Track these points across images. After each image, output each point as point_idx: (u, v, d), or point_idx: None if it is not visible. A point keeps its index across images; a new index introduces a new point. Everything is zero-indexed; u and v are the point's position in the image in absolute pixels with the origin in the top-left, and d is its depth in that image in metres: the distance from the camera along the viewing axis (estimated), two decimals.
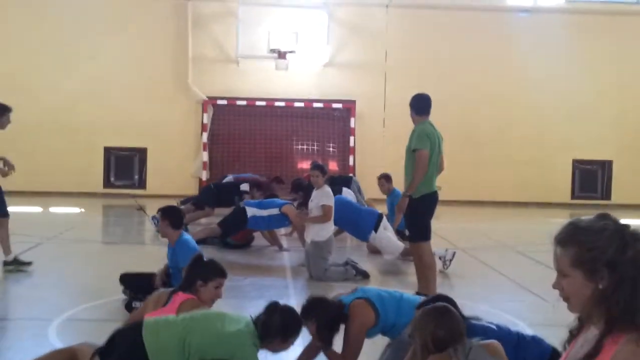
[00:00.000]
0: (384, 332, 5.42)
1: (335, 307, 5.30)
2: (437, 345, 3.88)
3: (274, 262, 10.93)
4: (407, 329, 4.84)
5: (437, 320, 3.99)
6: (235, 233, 11.59)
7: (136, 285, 7.57)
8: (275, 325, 4.47)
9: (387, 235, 10.60)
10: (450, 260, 10.13)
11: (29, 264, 9.33)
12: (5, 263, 9.31)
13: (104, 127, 19.29)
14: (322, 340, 5.18)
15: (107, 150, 19.71)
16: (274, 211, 11.07)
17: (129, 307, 7.33)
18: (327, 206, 9.12)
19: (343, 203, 10.80)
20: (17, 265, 9.26)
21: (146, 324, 4.49)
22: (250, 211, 11.19)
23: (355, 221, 10.86)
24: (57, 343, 5.99)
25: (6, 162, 9.40)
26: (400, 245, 10.49)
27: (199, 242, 8.98)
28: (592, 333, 2.26)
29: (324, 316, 5.15)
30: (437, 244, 10.97)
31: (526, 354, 4.55)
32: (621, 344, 2.15)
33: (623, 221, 2.29)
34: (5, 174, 9.35)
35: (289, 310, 4.66)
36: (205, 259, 5.58)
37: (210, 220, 12.97)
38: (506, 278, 9.88)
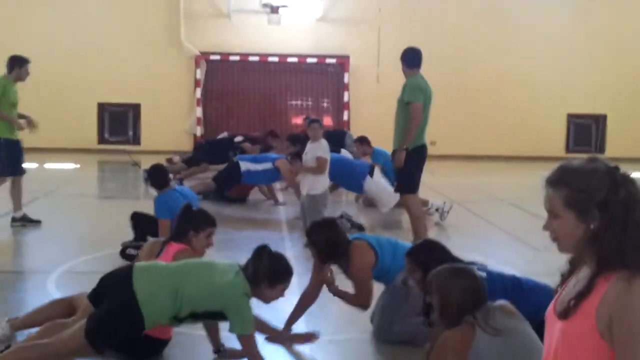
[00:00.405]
0: (378, 278, 5.48)
1: (340, 235, 5.40)
2: (460, 311, 3.78)
3: (270, 215, 11.00)
4: (400, 276, 4.93)
5: (461, 284, 3.85)
6: (230, 188, 11.63)
7: (145, 225, 7.64)
8: (263, 268, 4.41)
9: (381, 184, 10.63)
10: (447, 212, 10.24)
11: (37, 222, 9.35)
12: (14, 219, 9.35)
13: (97, 84, 19.19)
14: (321, 261, 5.36)
15: (101, 107, 19.64)
16: (268, 165, 11.11)
17: (123, 253, 7.47)
18: (322, 158, 9.14)
19: (335, 159, 10.84)
20: (24, 223, 9.29)
21: (136, 271, 4.44)
22: (244, 165, 11.22)
23: (349, 174, 10.89)
24: (55, 294, 6.05)
25: (29, 121, 9.48)
26: (395, 195, 10.52)
27: None
28: (583, 273, 2.31)
29: (327, 238, 5.28)
30: (432, 198, 11.07)
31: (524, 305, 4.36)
32: (612, 282, 2.19)
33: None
34: (21, 128, 9.39)
35: (277, 255, 4.60)
36: (194, 209, 5.58)
37: (207, 175, 13.01)
38: (500, 230, 9.98)
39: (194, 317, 4.44)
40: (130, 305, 4.30)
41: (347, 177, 10.99)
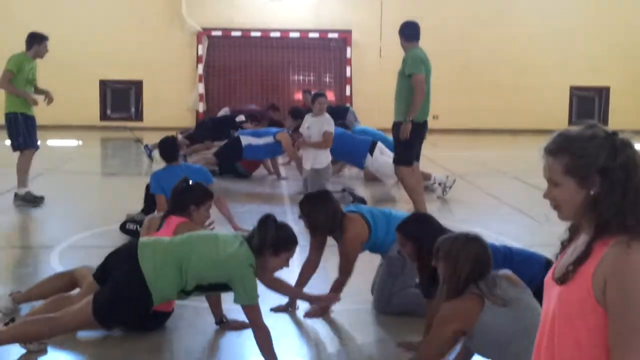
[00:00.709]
0: (372, 249, 5.51)
1: (334, 207, 5.40)
2: (467, 280, 3.78)
3: (272, 190, 11.03)
4: (395, 246, 4.92)
5: (471, 251, 3.84)
6: (232, 163, 11.62)
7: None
8: (268, 236, 4.40)
9: (383, 158, 10.64)
10: (450, 187, 10.24)
11: (41, 198, 9.33)
12: (17, 196, 9.33)
13: (99, 60, 19.13)
14: (314, 233, 5.42)
15: (103, 83, 19.61)
16: (269, 139, 11.10)
17: (123, 228, 7.48)
18: (328, 132, 9.15)
19: (337, 134, 10.84)
20: (26, 202, 9.25)
21: (141, 247, 4.45)
22: (245, 140, 11.22)
23: (350, 149, 10.89)
24: (59, 269, 6.08)
25: (47, 95, 9.59)
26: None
27: None
28: (582, 240, 2.31)
29: (321, 210, 5.30)
30: (435, 171, 11.08)
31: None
32: (611, 246, 2.20)
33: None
34: (35, 103, 9.45)
35: (282, 224, 4.58)
36: (192, 183, 5.61)
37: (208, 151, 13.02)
38: (502, 202, 9.99)
39: (200, 289, 4.47)
40: (137, 282, 4.33)
41: (348, 153, 10.99)
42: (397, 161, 8.53)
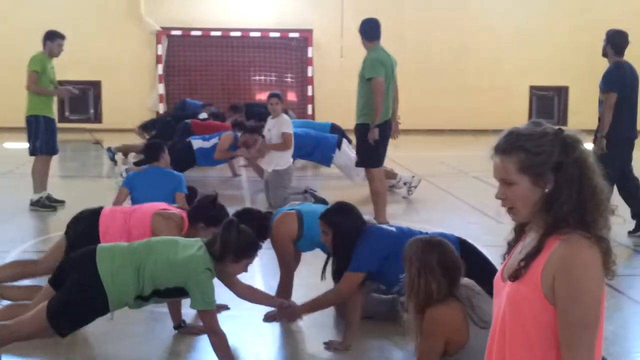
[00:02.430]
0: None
1: (259, 216, 5.44)
2: (439, 290, 3.60)
3: (232, 191, 10.93)
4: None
5: (442, 257, 3.68)
6: (185, 169, 11.42)
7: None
8: (230, 242, 4.33)
9: (349, 155, 10.54)
10: (415, 187, 10.25)
11: (62, 202, 9.20)
12: (32, 202, 9.17)
13: (56, 61, 18.77)
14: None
15: (60, 84, 19.25)
16: (216, 141, 10.95)
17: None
18: (287, 134, 9.10)
19: (302, 134, 10.78)
20: (42, 207, 9.10)
21: (100, 251, 4.38)
22: (196, 144, 11.07)
23: (316, 148, 10.83)
24: None
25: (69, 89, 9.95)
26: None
27: None
28: (530, 238, 2.30)
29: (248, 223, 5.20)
30: (400, 172, 11.08)
31: None
32: (559, 243, 2.18)
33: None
34: (70, 93, 10.01)
35: (245, 229, 4.53)
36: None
37: None
38: (464, 202, 10.03)
39: (157, 294, 4.38)
40: (94, 286, 4.24)
41: (315, 152, 10.92)
42: (364, 163, 8.49)
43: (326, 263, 5.07)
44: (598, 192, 2.22)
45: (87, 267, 4.29)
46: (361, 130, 8.22)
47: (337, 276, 4.89)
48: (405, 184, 10.32)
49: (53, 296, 4.35)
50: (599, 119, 8.08)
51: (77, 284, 4.29)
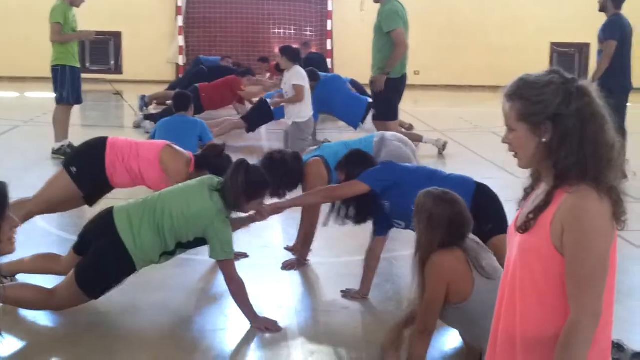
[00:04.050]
0: None
1: (292, 161, 5.42)
2: (443, 242, 3.61)
3: (251, 142, 10.99)
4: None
5: (451, 209, 3.67)
6: (260, 126, 11.48)
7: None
8: (240, 183, 4.34)
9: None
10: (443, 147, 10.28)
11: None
12: (54, 150, 9.34)
13: (77, 11, 18.77)
14: (279, 194, 5.32)
15: None
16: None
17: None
18: (297, 86, 9.09)
19: (334, 87, 10.77)
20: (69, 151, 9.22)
21: (116, 215, 4.39)
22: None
23: (346, 106, 10.81)
24: (39, 220, 6.05)
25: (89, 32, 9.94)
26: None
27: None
28: (542, 188, 2.32)
29: (280, 170, 5.27)
30: (416, 126, 11.11)
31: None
32: (568, 194, 2.21)
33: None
34: (92, 35, 10.02)
35: (254, 168, 4.53)
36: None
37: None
38: (481, 157, 10.06)
39: (182, 246, 4.47)
40: (118, 249, 4.32)
41: (344, 109, 10.90)
42: (380, 116, 8.52)
43: (332, 209, 4.97)
44: (602, 145, 2.21)
45: (108, 233, 4.35)
46: (387, 83, 8.26)
47: (360, 219, 4.86)
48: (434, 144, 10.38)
49: (79, 263, 4.41)
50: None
51: (101, 251, 4.37)
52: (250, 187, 4.41)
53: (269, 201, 4.90)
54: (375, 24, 8.25)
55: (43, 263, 4.69)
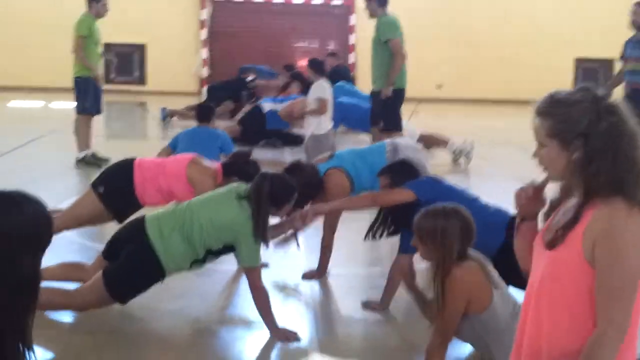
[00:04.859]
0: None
1: (310, 173, 5.38)
2: (458, 254, 3.65)
3: (272, 154, 11.00)
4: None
5: (455, 227, 3.68)
6: (255, 132, 11.52)
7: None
8: (265, 195, 4.37)
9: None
10: (470, 152, 10.26)
11: (106, 160, 9.21)
12: (79, 160, 9.47)
13: (102, 23, 18.93)
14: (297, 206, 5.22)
15: (106, 47, 19.49)
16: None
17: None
18: (322, 99, 9.14)
19: (346, 104, 10.82)
20: (91, 162, 9.34)
21: (149, 223, 4.44)
22: (267, 106, 11.22)
23: (362, 120, 10.85)
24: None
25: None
26: (415, 130, 10.50)
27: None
28: (572, 202, 2.33)
29: (299, 181, 5.14)
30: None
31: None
32: (599, 208, 2.22)
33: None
34: (96, 79, 9.65)
35: (278, 178, 4.58)
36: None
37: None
38: (503, 172, 10.01)
39: (212, 254, 4.50)
40: (149, 258, 4.36)
41: (361, 124, 10.94)
42: (391, 127, 8.59)
43: (374, 223, 4.91)
44: (633, 162, 2.23)
45: (139, 240, 4.40)
46: (377, 96, 8.37)
47: (390, 232, 4.85)
48: (455, 152, 10.34)
49: (108, 266, 4.47)
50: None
51: (132, 257, 4.41)
52: (278, 195, 4.46)
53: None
54: (373, 37, 8.40)
55: (70, 271, 4.75)
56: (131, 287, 4.46)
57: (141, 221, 4.51)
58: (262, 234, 4.35)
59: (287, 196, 4.55)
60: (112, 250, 4.58)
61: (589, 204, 2.25)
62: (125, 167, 5.64)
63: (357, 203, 5.01)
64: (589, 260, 2.21)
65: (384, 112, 8.52)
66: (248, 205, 4.39)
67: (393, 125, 8.54)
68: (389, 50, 8.18)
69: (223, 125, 11.91)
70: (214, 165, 5.71)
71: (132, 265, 4.41)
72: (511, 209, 5.24)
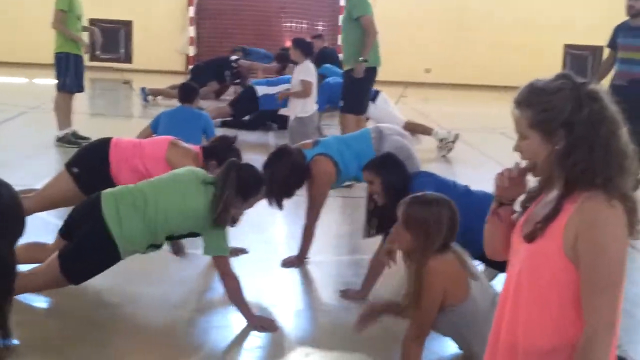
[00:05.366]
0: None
1: (297, 158, 5.29)
2: (441, 245, 3.54)
3: (257, 136, 10.93)
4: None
5: (443, 218, 3.56)
6: (247, 114, 11.42)
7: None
8: (232, 180, 4.23)
9: (385, 108, 10.38)
10: (453, 142, 10.09)
11: (87, 139, 9.01)
12: (59, 138, 9.30)
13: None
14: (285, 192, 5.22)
15: (93, 22, 19.25)
16: (285, 86, 10.81)
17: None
18: (306, 81, 9.02)
19: (331, 84, 10.67)
20: (69, 143, 9.16)
21: (104, 201, 4.27)
22: (261, 90, 11.07)
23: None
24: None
25: (92, 34, 9.75)
26: (400, 117, 10.35)
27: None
28: (552, 195, 2.26)
29: (286, 167, 5.17)
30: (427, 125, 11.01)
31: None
32: (581, 201, 2.15)
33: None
34: (86, 50, 9.51)
35: (247, 167, 4.44)
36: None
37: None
38: (489, 158, 9.97)
39: (170, 239, 4.40)
40: (104, 236, 4.21)
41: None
42: (346, 109, 8.47)
43: (369, 218, 4.83)
44: (613, 151, 2.16)
45: (94, 220, 4.25)
46: (349, 74, 8.24)
47: (379, 229, 4.76)
48: (441, 140, 10.19)
49: (64, 247, 4.33)
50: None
51: (87, 236, 4.27)
52: (244, 187, 4.33)
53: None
54: (344, 15, 8.28)
55: (30, 253, 4.61)
56: (85, 270, 4.32)
57: (97, 197, 4.34)
58: (221, 220, 4.21)
59: (255, 188, 4.42)
60: (69, 229, 4.44)
61: (570, 196, 2.17)
62: (101, 147, 5.51)
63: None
64: (569, 256, 2.14)
65: (349, 92, 8.37)
66: (214, 192, 4.27)
67: (354, 107, 8.38)
68: (360, 27, 8.06)
69: (213, 106, 11.84)
70: (194, 148, 5.58)
71: (86, 247, 4.26)
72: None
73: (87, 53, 9.59)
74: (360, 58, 8.07)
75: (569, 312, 2.16)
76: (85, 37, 9.66)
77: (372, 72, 8.26)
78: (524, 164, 2.31)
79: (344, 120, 8.50)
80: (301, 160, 5.30)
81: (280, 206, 5.19)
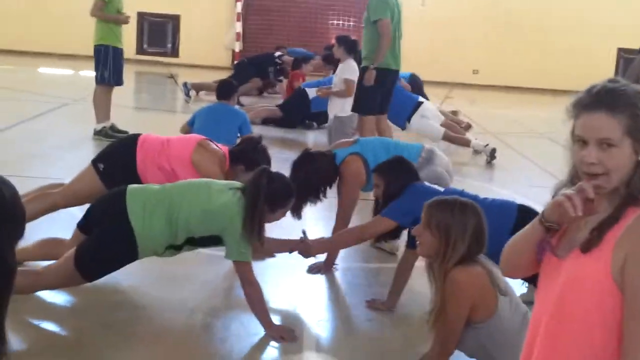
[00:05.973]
0: None
1: (320, 164, 5.15)
2: (464, 256, 3.35)
3: (295, 135, 10.82)
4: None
5: (468, 225, 3.38)
6: (298, 116, 11.30)
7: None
8: (263, 188, 4.06)
9: (424, 122, 10.13)
10: (489, 155, 9.76)
11: (125, 132, 9.01)
12: (96, 131, 9.31)
13: None
14: (313, 195, 5.12)
15: (141, 16, 19.37)
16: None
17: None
18: (349, 80, 8.86)
19: None
20: (107, 136, 9.14)
21: (130, 195, 4.15)
22: (312, 92, 10.95)
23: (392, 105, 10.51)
24: None
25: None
26: (440, 129, 10.10)
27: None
28: (593, 217, 2.01)
29: (313, 171, 5.05)
30: (472, 127, 10.78)
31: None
32: (631, 220, 1.93)
33: None
34: (127, 22, 9.47)
35: (278, 176, 4.25)
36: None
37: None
38: (533, 164, 9.69)
39: (190, 243, 4.24)
40: (124, 234, 4.09)
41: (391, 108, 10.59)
42: (357, 108, 8.35)
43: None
44: None
45: (117, 213, 4.12)
46: (363, 74, 8.10)
47: (382, 237, 4.71)
48: (476, 151, 9.90)
49: (82, 243, 4.21)
50: None
51: (107, 230, 4.15)
52: (273, 197, 4.15)
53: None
54: (364, 17, 8.12)
55: (46, 250, 4.53)
56: (100, 265, 4.19)
57: (123, 192, 4.21)
58: (253, 230, 4.03)
59: (284, 199, 4.24)
60: (89, 222, 4.31)
61: (630, 205, 1.95)
62: (129, 144, 5.42)
63: (347, 240, 4.82)
64: (615, 278, 1.92)
65: (358, 91, 8.23)
66: (242, 196, 4.11)
67: (359, 106, 8.21)
68: (377, 30, 7.88)
69: (263, 108, 11.74)
70: (221, 150, 5.45)
71: (105, 241, 4.13)
72: (536, 206, 4.97)
73: (128, 18, 9.47)
74: (371, 66, 7.93)
75: (612, 341, 1.96)
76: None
77: (387, 74, 8.09)
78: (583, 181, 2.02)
79: (359, 121, 8.39)
80: (326, 165, 5.16)
81: (299, 216, 5.03)
